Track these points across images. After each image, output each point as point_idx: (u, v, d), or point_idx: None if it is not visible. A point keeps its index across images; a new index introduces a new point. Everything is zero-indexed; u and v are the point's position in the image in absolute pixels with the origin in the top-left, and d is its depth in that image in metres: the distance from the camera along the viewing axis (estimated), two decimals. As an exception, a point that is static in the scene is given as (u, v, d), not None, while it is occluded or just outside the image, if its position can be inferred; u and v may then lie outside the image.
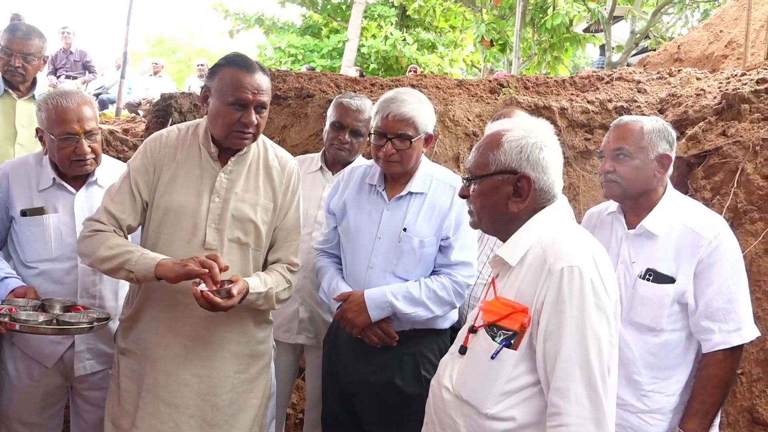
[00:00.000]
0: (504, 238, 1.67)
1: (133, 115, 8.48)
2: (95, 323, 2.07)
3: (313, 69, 13.59)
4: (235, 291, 1.91)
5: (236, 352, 2.14)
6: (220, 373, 2.10)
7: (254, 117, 2.01)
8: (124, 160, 3.64)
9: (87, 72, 9.42)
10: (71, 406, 2.49)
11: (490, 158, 1.61)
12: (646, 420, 2.01)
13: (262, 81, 2.03)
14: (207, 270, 1.87)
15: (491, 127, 1.73)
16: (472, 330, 1.64)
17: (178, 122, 3.95)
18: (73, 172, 2.33)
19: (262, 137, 2.19)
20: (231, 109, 1.99)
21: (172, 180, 2.09)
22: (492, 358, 1.55)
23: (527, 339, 1.51)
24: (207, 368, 2.09)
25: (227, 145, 2.09)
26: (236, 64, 2.02)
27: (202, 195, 2.08)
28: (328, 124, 2.78)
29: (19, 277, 2.24)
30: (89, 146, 2.28)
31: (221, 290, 1.89)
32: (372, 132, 2.27)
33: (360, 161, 2.77)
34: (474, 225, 1.73)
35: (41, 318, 2.00)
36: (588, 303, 1.44)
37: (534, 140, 1.60)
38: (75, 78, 9.15)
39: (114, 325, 2.31)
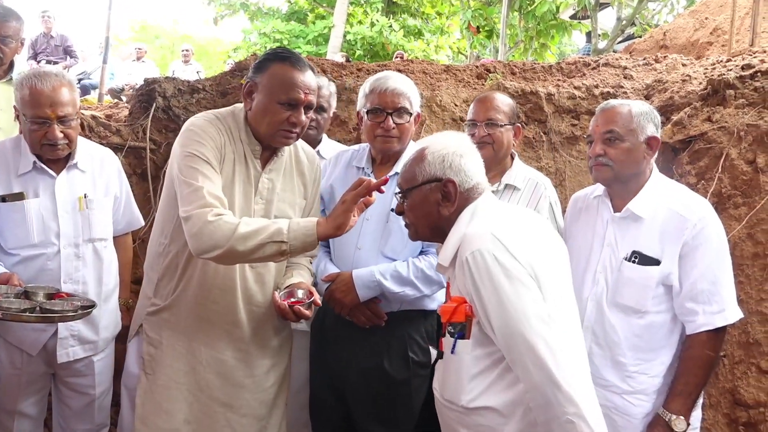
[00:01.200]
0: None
1: (116, 100, 8.37)
2: (80, 311, 2.04)
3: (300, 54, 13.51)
4: (318, 300, 1.97)
5: (272, 346, 2.16)
6: (264, 370, 2.13)
7: (303, 117, 1.97)
8: (108, 145, 3.61)
9: (68, 57, 9.26)
10: (54, 393, 2.47)
11: (417, 171, 1.76)
12: (630, 401, 2.04)
13: (312, 80, 1.99)
14: (365, 191, 1.87)
15: (415, 146, 1.86)
16: (441, 335, 1.73)
17: (162, 107, 3.90)
18: (44, 155, 2.27)
19: None
20: (281, 108, 1.94)
21: (230, 176, 2.02)
22: (452, 352, 1.66)
23: (475, 326, 1.61)
24: (258, 368, 2.11)
25: (270, 144, 2.04)
26: (288, 60, 1.96)
27: (249, 195, 2.05)
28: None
29: (1, 264, 2.20)
30: (62, 131, 2.22)
31: (305, 302, 1.95)
32: (368, 111, 2.27)
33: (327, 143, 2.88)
34: (413, 237, 1.86)
35: (24, 306, 1.95)
36: (497, 277, 1.55)
37: (453, 149, 1.76)
38: (56, 63, 8.97)
39: (98, 311, 2.28)
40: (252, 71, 2.02)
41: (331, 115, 2.91)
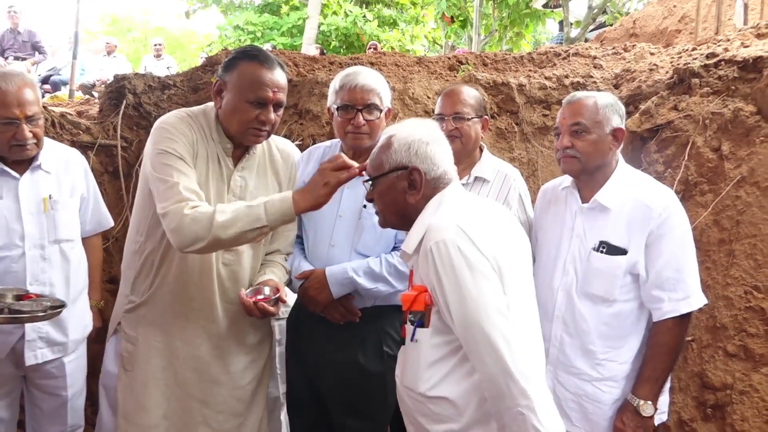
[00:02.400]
0: None
1: (87, 96, 8.23)
2: (49, 311, 2.03)
3: (274, 47, 13.38)
4: (284, 296, 1.98)
5: (249, 343, 2.18)
6: (242, 367, 2.14)
7: (272, 115, 1.97)
8: (78, 143, 3.57)
9: (37, 53, 9.08)
10: (26, 395, 2.45)
11: (384, 159, 1.77)
12: (600, 387, 2.08)
13: (282, 78, 1.99)
14: (346, 167, 1.89)
15: (383, 133, 1.85)
16: (403, 322, 1.75)
17: (133, 104, 3.86)
18: (12, 156, 2.25)
19: None
20: (250, 107, 1.94)
21: (203, 177, 2.02)
22: (412, 340, 1.70)
23: (435, 315, 1.63)
24: (233, 364, 2.12)
25: (241, 142, 2.05)
26: (256, 59, 1.96)
27: (222, 193, 2.05)
28: None
29: None
30: (30, 131, 2.21)
31: (272, 299, 1.96)
32: (338, 107, 2.27)
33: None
34: (382, 224, 1.86)
35: None
36: (459, 268, 1.56)
37: (419, 137, 1.75)
38: (24, 59, 8.82)
39: (67, 313, 2.26)
40: (221, 70, 2.01)
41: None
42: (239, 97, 1.94)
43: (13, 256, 2.25)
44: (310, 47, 12.14)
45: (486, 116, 2.56)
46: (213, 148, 2.03)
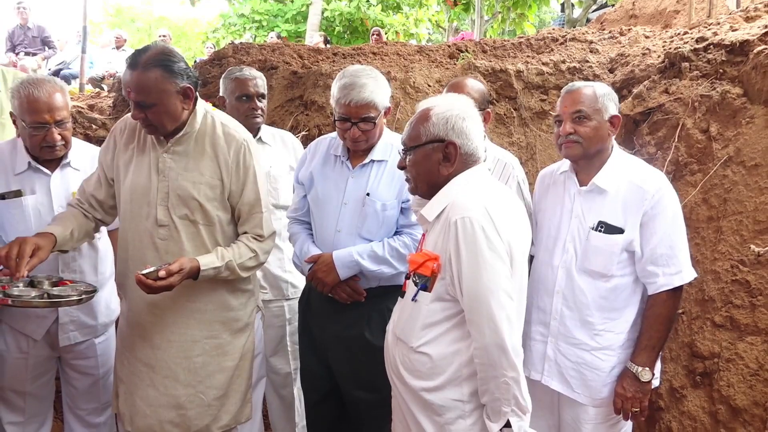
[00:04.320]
0: None
1: (97, 90, 8.38)
2: (83, 296, 2.21)
3: (279, 35, 13.44)
4: (162, 273, 2.03)
5: (204, 319, 2.28)
6: (188, 338, 2.26)
7: (136, 111, 2.10)
8: (94, 138, 3.73)
9: (46, 48, 9.21)
10: (61, 376, 2.65)
11: (421, 131, 1.86)
12: (598, 356, 2.22)
13: (134, 78, 2.07)
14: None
15: (420, 105, 1.95)
16: (407, 277, 1.91)
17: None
18: (43, 156, 2.44)
19: (212, 114, 2.27)
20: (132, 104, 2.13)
21: (129, 162, 2.24)
22: (413, 300, 1.85)
23: (439, 282, 1.78)
24: (176, 334, 2.25)
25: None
26: (126, 62, 2.13)
27: (150, 175, 2.21)
28: (231, 100, 2.93)
29: None
30: (59, 134, 2.39)
31: (150, 273, 2.03)
32: (336, 118, 2.39)
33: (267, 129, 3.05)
34: (412, 191, 1.97)
35: (33, 293, 2.13)
36: (480, 245, 1.70)
37: (457, 112, 1.85)
38: (34, 54, 8.97)
39: (95, 298, 2.43)
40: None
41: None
42: None
43: None
44: (314, 35, 12.20)
45: (488, 109, 2.68)
46: (146, 136, 2.23)
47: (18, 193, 2.41)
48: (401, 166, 1.95)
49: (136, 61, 2.07)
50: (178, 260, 2.10)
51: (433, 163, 1.85)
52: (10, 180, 2.43)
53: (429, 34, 18.95)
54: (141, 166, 2.23)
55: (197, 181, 2.21)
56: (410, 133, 1.90)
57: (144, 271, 2.03)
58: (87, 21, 8.64)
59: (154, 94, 2.06)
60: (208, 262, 2.15)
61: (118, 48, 9.99)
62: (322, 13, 14.90)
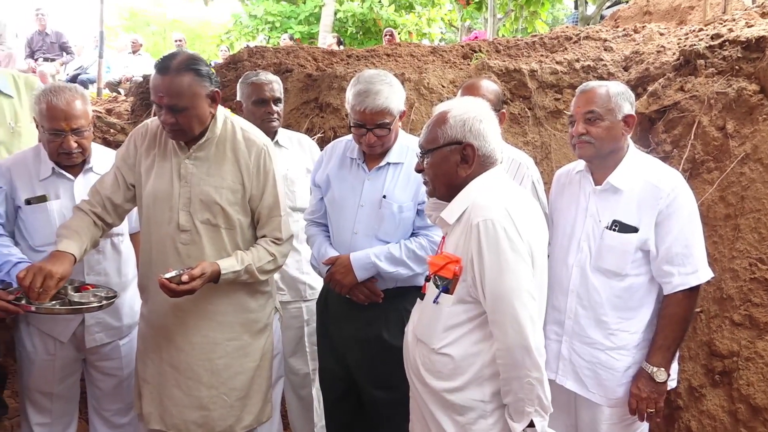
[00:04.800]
0: None
1: (114, 94, 8.49)
2: (104, 302, 2.26)
3: (292, 37, 13.51)
4: (185, 278, 2.07)
5: (224, 321, 2.32)
6: (209, 340, 2.30)
7: (170, 117, 2.12)
8: (113, 142, 3.79)
9: (64, 53, 9.35)
10: (86, 377, 2.69)
11: (439, 133, 1.88)
12: (613, 356, 2.22)
13: (166, 84, 2.09)
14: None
15: (437, 108, 1.97)
16: (427, 280, 1.93)
17: (163, 103, 4.06)
18: (60, 162, 2.50)
19: (232, 119, 2.32)
20: (158, 109, 2.15)
21: (151, 167, 2.28)
22: (434, 302, 1.87)
23: (461, 284, 1.79)
24: (198, 336, 2.29)
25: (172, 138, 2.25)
26: (155, 68, 2.15)
27: (173, 181, 2.25)
28: (248, 104, 2.96)
29: (30, 261, 2.38)
30: (76, 141, 2.44)
31: (173, 277, 2.07)
32: (351, 124, 2.41)
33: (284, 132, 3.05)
34: (430, 193, 1.99)
35: (54, 301, 2.17)
36: (503, 247, 1.72)
37: (474, 114, 1.87)
38: (53, 60, 9.11)
39: (119, 301, 2.49)
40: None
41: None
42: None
43: None
44: (327, 35, 12.25)
45: (503, 110, 2.68)
46: (171, 142, 2.26)
47: (43, 198, 2.47)
48: (419, 169, 1.97)
49: (166, 66, 2.10)
50: (199, 264, 2.13)
51: (451, 165, 1.87)
52: (35, 185, 2.48)
53: (442, 33, 18.92)
54: (162, 172, 2.27)
55: (219, 185, 2.25)
56: (428, 136, 1.92)
57: (167, 275, 2.06)
58: (103, 26, 8.75)
59: (187, 98, 2.10)
60: (229, 265, 2.19)
61: (134, 52, 10.11)
62: (335, 14, 14.95)
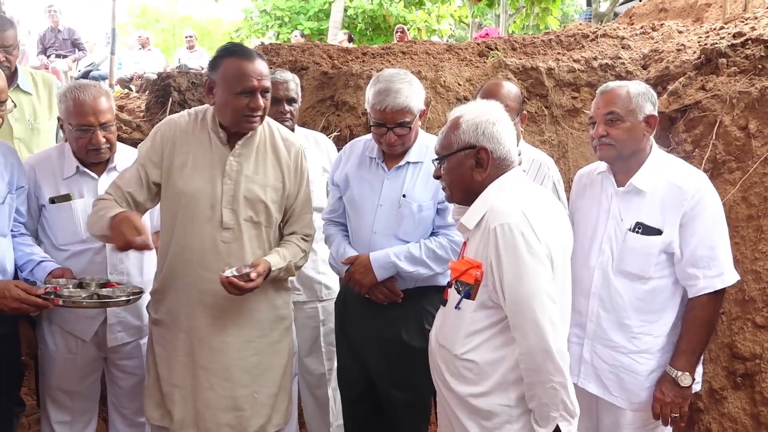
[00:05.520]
0: None
1: (126, 90, 8.51)
2: (131, 296, 2.26)
3: (302, 33, 13.50)
4: (254, 275, 2.10)
5: (258, 318, 2.32)
6: (244, 338, 2.29)
7: (261, 101, 2.15)
8: (129, 140, 3.79)
9: (77, 50, 9.38)
10: (107, 375, 2.69)
11: (453, 139, 1.89)
12: (636, 359, 2.19)
13: (263, 67, 2.16)
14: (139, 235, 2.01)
15: (451, 114, 1.97)
16: (449, 285, 1.92)
17: (178, 101, 4.07)
18: (89, 159, 2.49)
19: (267, 120, 2.33)
20: (239, 98, 2.12)
21: (184, 165, 2.24)
22: (456, 308, 1.87)
23: (482, 289, 1.79)
24: (233, 335, 2.27)
25: (237, 130, 2.22)
26: (236, 53, 2.15)
27: (215, 178, 2.23)
28: None
29: (53, 260, 2.41)
30: (104, 137, 2.44)
31: (243, 275, 2.08)
32: (371, 123, 2.40)
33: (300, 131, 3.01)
34: (448, 199, 2.00)
35: (83, 294, 2.19)
36: (521, 251, 1.71)
37: (487, 117, 1.88)
38: (65, 57, 9.14)
39: (141, 300, 2.47)
40: (208, 69, 2.23)
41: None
42: (228, 92, 2.13)
43: (96, 248, 2.49)
44: (337, 33, 12.23)
45: (525, 111, 2.64)
46: (207, 138, 2.25)
47: (67, 197, 2.47)
48: (437, 176, 1.98)
49: (249, 52, 2.17)
50: (260, 262, 2.17)
51: (467, 169, 1.87)
52: (59, 184, 2.48)
53: (452, 30, 18.86)
54: (201, 169, 2.24)
55: (264, 183, 2.27)
56: (442, 142, 1.93)
57: (227, 273, 2.08)
58: (115, 23, 8.78)
59: (269, 81, 2.19)
60: (276, 262, 2.22)
61: (143, 47, 10.12)
62: (345, 10, 14.92)
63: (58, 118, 2.51)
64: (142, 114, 4.55)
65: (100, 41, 10.36)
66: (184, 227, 2.25)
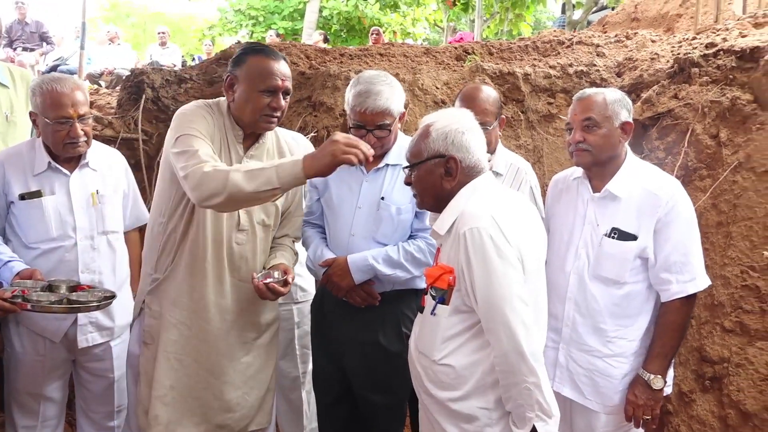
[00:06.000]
0: None
1: (95, 86, 8.33)
2: (103, 301, 2.20)
3: (278, 34, 13.41)
4: (290, 278, 2.12)
5: (256, 321, 2.33)
6: (243, 340, 2.29)
7: (282, 102, 2.13)
8: (101, 137, 3.71)
9: (44, 43, 9.18)
10: (75, 378, 2.63)
11: (423, 147, 1.91)
12: (611, 363, 2.22)
13: (287, 68, 2.16)
14: (356, 148, 1.90)
15: (421, 121, 1.99)
16: (425, 292, 1.93)
17: (151, 98, 3.99)
18: (66, 153, 2.42)
19: None
20: (261, 96, 2.10)
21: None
22: (432, 314, 1.87)
23: (455, 294, 1.80)
24: (235, 337, 2.27)
25: (254, 130, 2.20)
26: (262, 52, 2.14)
27: None
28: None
29: (21, 260, 2.34)
30: (82, 129, 2.39)
31: (279, 280, 2.11)
32: (351, 125, 2.39)
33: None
34: (419, 205, 2.02)
35: (53, 298, 2.12)
36: (490, 255, 1.72)
37: (456, 126, 1.89)
38: (32, 50, 8.93)
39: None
40: (231, 65, 2.19)
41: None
42: (251, 88, 2.10)
43: (67, 246, 2.43)
44: (312, 33, 12.16)
45: (503, 116, 2.66)
46: (225, 135, 2.19)
47: (38, 194, 2.41)
48: (407, 182, 1.99)
49: (276, 52, 2.17)
50: (287, 267, 2.24)
51: (436, 178, 1.89)
52: (29, 180, 2.42)
53: (426, 33, 18.94)
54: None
55: None
56: (412, 149, 1.94)
57: (259, 276, 2.11)
58: (85, 17, 8.59)
59: (291, 83, 2.19)
60: (290, 265, 2.28)
61: (111, 42, 9.92)
62: (320, 10, 14.86)
63: (31, 113, 2.43)
64: (113, 111, 4.45)
65: (69, 35, 10.13)
66: (204, 228, 2.19)
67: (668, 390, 2.28)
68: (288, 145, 2.38)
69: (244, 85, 2.11)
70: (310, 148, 3.08)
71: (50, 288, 2.23)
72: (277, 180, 1.88)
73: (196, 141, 2.02)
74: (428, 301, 1.91)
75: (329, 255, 2.44)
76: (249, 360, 2.31)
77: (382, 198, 2.40)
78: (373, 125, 2.32)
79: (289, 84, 2.15)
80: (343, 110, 3.74)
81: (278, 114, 2.16)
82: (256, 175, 1.89)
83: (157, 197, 2.27)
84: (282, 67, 2.13)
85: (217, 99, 2.27)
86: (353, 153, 1.88)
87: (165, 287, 2.23)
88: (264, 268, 2.30)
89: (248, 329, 2.31)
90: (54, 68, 8.89)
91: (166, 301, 2.22)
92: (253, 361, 2.32)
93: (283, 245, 2.37)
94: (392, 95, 2.34)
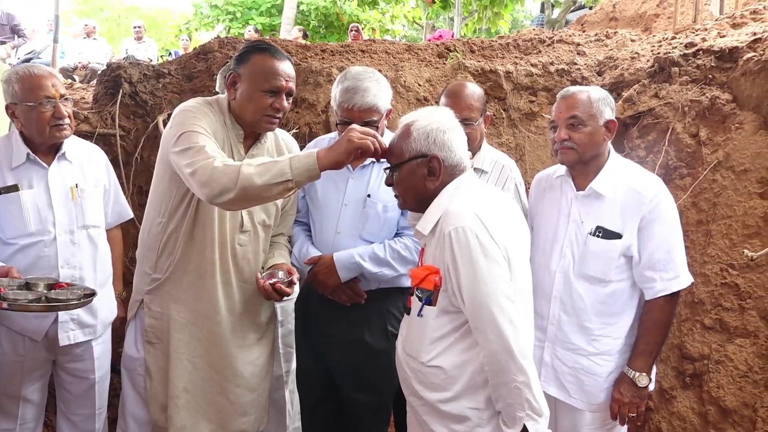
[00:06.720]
0: None
1: (69, 80, 8.17)
2: (83, 299, 2.14)
3: (257, 29, 13.28)
4: (295, 279, 2.10)
5: (260, 322, 2.33)
6: (250, 342, 2.28)
7: (285, 103, 2.10)
8: (77, 133, 3.62)
9: (16, 36, 8.96)
10: (55, 380, 2.57)
11: (404, 147, 1.87)
12: (596, 361, 2.23)
13: (291, 69, 2.11)
14: (372, 137, 1.87)
15: (401, 121, 1.95)
16: (411, 293, 1.90)
17: (129, 93, 3.91)
18: (52, 138, 2.37)
19: None
20: (264, 96, 2.05)
21: None
22: (419, 315, 1.84)
23: (442, 294, 1.78)
24: (243, 339, 2.25)
25: (254, 130, 2.16)
26: (268, 51, 2.08)
27: None
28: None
29: None
30: (65, 110, 2.35)
31: (285, 280, 2.09)
32: (338, 122, 2.37)
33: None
34: (401, 206, 1.99)
35: (30, 296, 2.05)
36: (475, 253, 1.70)
37: (437, 125, 1.85)
38: (3, 43, 8.71)
39: (96, 299, 2.36)
40: (234, 63, 2.13)
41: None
42: (254, 87, 2.05)
43: (46, 241, 2.37)
44: (290, 28, 12.06)
45: (488, 113, 2.65)
46: (226, 134, 2.15)
47: (14, 188, 2.34)
48: (389, 183, 1.95)
49: (281, 52, 2.12)
50: (287, 265, 2.24)
51: (419, 178, 1.85)
52: (5, 174, 2.35)
53: (405, 31, 18.92)
54: None
55: None
56: (393, 150, 1.90)
57: (263, 277, 2.12)
58: (59, 10, 8.39)
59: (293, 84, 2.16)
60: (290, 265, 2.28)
61: (88, 36, 9.72)
62: (298, 6, 14.76)
63: (8, 106, 2.36)
64: (88, 106, 4.35)
65: (42, 28, 9.88)
66: (208, 228, 2.15)
67: (651, 387, 2.30)
68: (286, 144, 2.35)
69: (247, 83, 2.06)
70: (294, 146, 3.05)
71: (27, 286, 2.15)
72: (290, 172, 1.82)
73: (201, 137, 1.96)
74: (414, 303, 1.88)
75: (315, 252, 2.42)
76: (257, 361, 2.30)
77: (369, 195, 2.38)
78: (360, 122, 2.29)
79: (293, 85, 2.11)
80: (326, 107, 3.72)
81: (280, 115, 2.12)
82: (268, 168, 1.83)
83: (154, 197, 2.22)
84: (287, 68, 2.09)
85: (217, 96, 2.22)
86: (369, 140, 1.86)
87: (167, 288, 2.19)
88: (263, 267, 2.28)
89: (252, 330, 2.30)
90: (26, 61, 8.69)
91: (169, 301, 2.18)
92: (260, 362, 2.32)
93: (280, 244, 2.35)
94: (380, 92, 2.32)
